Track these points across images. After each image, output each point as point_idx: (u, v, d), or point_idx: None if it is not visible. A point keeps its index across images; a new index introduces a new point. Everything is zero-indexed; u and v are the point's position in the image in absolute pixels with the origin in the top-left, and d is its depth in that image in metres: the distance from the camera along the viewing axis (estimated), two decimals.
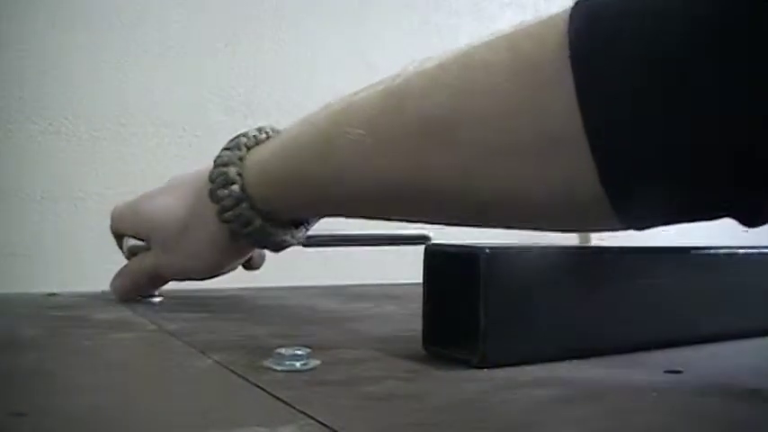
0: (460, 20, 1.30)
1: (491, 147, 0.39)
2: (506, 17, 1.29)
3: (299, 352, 0.38)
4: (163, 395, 0.33)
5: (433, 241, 0.43)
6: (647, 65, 0.33)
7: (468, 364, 0.38)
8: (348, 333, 0.52)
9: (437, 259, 0.40)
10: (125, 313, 0.59)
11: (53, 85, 1.08)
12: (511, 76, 0.38)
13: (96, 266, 1.07)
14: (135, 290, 0.65)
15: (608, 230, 0.44)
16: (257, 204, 0.54)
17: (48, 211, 1.06)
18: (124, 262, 0.67)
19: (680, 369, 0.38)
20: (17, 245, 1.04)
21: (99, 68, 1.11)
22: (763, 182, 0.34)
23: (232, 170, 0.54)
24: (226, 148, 0.56)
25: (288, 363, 0.37)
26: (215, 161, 0.56)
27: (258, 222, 0.54)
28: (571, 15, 0.36)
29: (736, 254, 0.49)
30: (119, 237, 0.67)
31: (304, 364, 0.37)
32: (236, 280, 0.79)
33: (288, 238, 0.57)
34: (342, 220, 0.54)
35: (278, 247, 0.58)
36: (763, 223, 0.38)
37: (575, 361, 0.40)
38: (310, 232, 0.60)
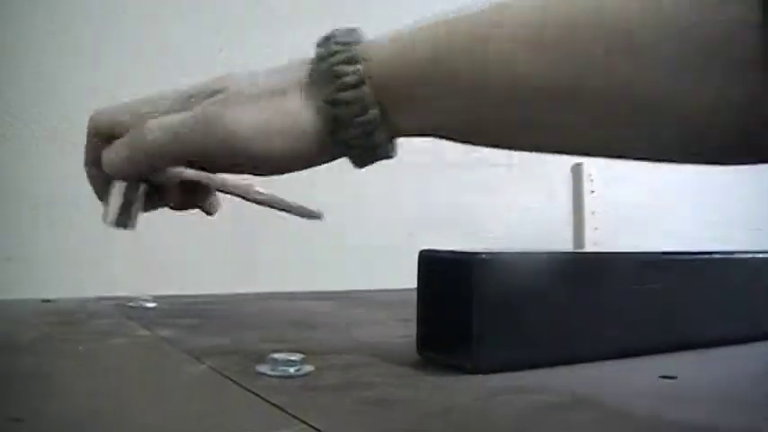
0: None
1: (670, 55, 0.38)
2: None
3: (293, 357, 0.38)
4: (157, 400, 0.33)
5: (428, 247, 0.43)
6: None
7: (462, 370, 0.38)
8: (342, 338, 0.52)
9: (431, 265, 0.40)
10: (119, 319, 0.59)
11: (49, 89, 1.08)
12: None
13: (92, 272, 1.07)
14: (132, 165, 0.49)
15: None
16: (378, 93, 0.46)
17: (43, 217, 1.06)
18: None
19: (674, 375, 0.38)
20: (13, 250, 1.03)
21: (95, 72, 1.10)
22: None
23: (357, 48, 0.47)
24: (328, 39, 0.48)
25: (282, 368, 0.37)
26: (322, 48, 0.48)
27: (374, 112, 0.46)
28: None
29: (732, 259, 0.49)
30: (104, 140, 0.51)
31: (298, 370, 0.37)
32: (229, 285, 0.80)
33: (385, 147, 0.48)
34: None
35: (369, 155, 0.48)
36: None
37: (568, 366, 0.40)
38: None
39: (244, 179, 0.49)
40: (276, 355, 0.38)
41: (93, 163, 0.51)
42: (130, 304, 0.67)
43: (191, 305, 0.68)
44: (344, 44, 0.47)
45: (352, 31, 0.49)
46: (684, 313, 0.46)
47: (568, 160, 1.58)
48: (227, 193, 0.49)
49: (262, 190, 0.47)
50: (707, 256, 0.48)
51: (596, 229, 1.57)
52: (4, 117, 1.05)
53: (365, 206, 1.10)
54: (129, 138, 0.49)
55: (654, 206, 1.67)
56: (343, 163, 0.46)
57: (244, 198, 0.48)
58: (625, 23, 0.39)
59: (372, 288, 0.86)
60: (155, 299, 0.68)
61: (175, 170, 0.48)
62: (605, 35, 0.40)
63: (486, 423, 0.30)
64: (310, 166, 0.49)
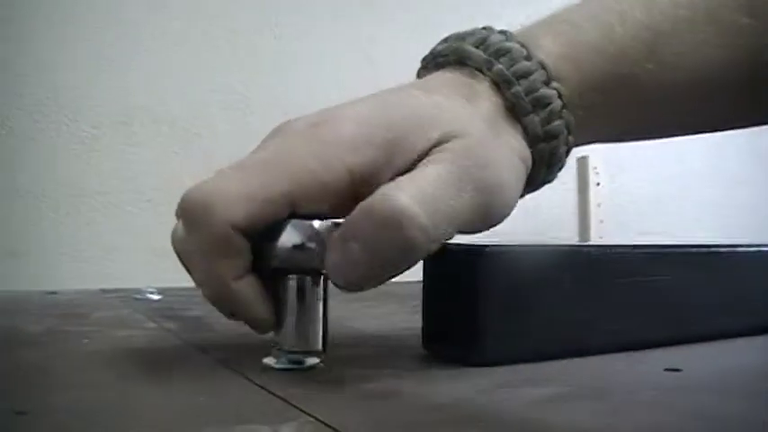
0: (461, 14, 1.30)
1: None
2: (507, 14, 1.29)
3: (301, 358, 0.38)
4: (162, 393, 0.33)
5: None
6: None
7: (467, 363, 0.38)
8: (347, 331, 0.52)
9: (436, 257, 0.40)
10: (124, 311, 0.59)
11: (53, 84, 1.08)
12: None
13: (96, 265, 1.08)
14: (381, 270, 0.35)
15: None
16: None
17: (48, 210, 1.06)
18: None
19: (679, 367, 0.38)
20: (17, 243, 1.04)
21: (99, 67, 1.11)
22: None
23: (548, 64, 0.40)
24: (504, 53, 0.40)
25: (287, 361, 0.37)
26: (506, 66, 0.40)
27: (572, 139, 0.41)
28: None
29: (737, 252, 0.49)
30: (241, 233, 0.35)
31: (303, 363, 0.37)
32: None
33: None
34: None
35: (554, 163, 0.42)
36: None
37: (574, 359, 0.40)
38: None
39: None
40: (282, 352, 0.38)
41: (242, 275, 0.36)
42: (136, 296, 0.67)
43: (196, 297, 0.68)
44: (528, 58, 0.40)
45: (507, 35, 0.41)
46: (691, 306, 0.46)
47: (573, 153, 1.58)
48: None
49: None
50: (713, 249, 0.48)
51: (602, 221, 1.57)
52: (8, 112, 1.05)
53: None
54: (375, 228, 0.33)
55: (659, 198, 1.67)
56: None
57: None
58: None
59: None
60: (160, 291, 0.68)
61: None
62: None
63: (492, 415, 0.30)
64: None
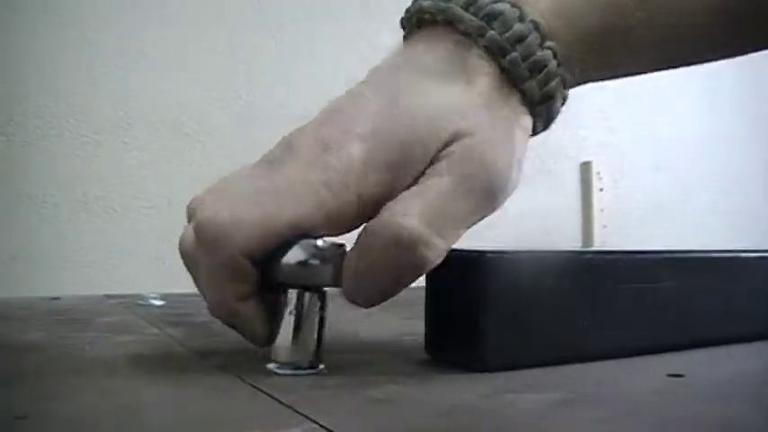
0: None
1: None
2: None
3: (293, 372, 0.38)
4: (164, 399, 0.33)
5: None
6: None
7: (470, 368, 0.38)
8: (349, 337, 0.52)
9: (439, 263, 0.40)
10: (126, 317, 0.59)
11: (55, 89, 1.08)
12: None
13: (98, 271, 1.08)
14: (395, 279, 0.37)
15: None
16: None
17: (49, 215, 1.07)
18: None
19: (682, 373, 0.38)
20: (19, 248, 1.04)
21: (100, 71, 1.11)
22: None
23: (537, 22, 0.39)
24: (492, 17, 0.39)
25: (290, 367, 0.37)
26: (498, 32, 0.38)
27: (567, 93, 0.41)
28: None
29: (739, 258, 0.49)
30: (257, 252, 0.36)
31: (305, 367, 0.37)
32: None
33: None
34: None
35: (551, 117, 0.42)
36: None
37: (576, 365, 0.40)
38: None
39: None
40: (278, 366, 0.38)
41: (246, 297, 0.38)
42: (139, 302, 0.67)
43: (199, 304, 0.68)
44: (522, 19, 0.39)
45: None
46: (693, 312, 0.46)
47: (577, 158, 1.58)
48: None
49: None
50: (715, 254, 0.48)
51: (605, 226, 1.57)
52: (11, 117, 1.05)
53: None
54: (399, 251, 0.35)
55: (662, 204, 1.67)
56: None
57: None
58: None
59: None
60: (163, 297, 0.68)
61: None
62: None
63: (494, 421, 0.30)
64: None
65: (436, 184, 0.36)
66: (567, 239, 1.54)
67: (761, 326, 0.49)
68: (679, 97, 1.72)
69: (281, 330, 0.37)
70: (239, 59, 1.20)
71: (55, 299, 0.70)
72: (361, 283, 0.37)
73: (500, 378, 0.37)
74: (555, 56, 0.39)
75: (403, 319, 0.59)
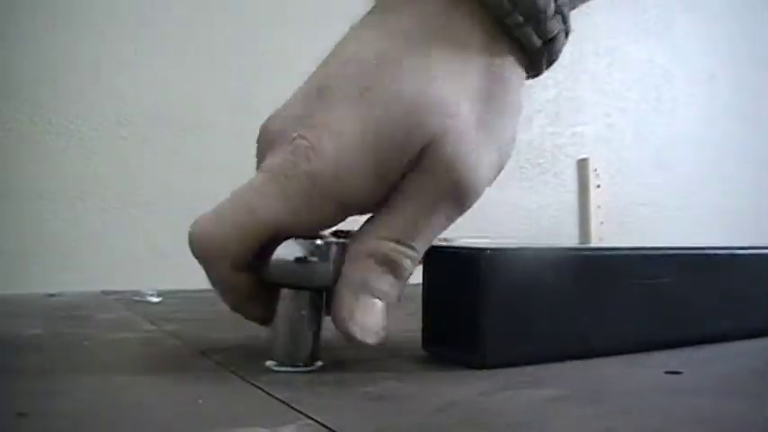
0: None
1: None
2: None
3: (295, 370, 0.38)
4: (162, 395, 0.33)
5: (434, 242, 0.42)
6: None
7: (468, 365, 0.38)
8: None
9: (437, 260, 0.40)
10: (124, 314, 0.59)
11: (53, 85, 1.08)
12: None
13: (96, 267, 1.08)
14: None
15: None
16: None
17: (47, 211, 1.06)
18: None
19: (680, 370, 0.38)
20: (17, 245, 1.04)
21: (99, 68, 1.11)
22: None
23: None
24: None
25: (288, 363, 0.37)
26: None
27: None
28: None
29: (738, 254, 0.49)
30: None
31: (303, 365, 0.37)
32: None
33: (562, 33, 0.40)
34: None
35: (554, 55, 0.40)
36: None
37: (574, 361, 0.40)
38: None
39: None
40: (279, 365, 0.38)
41: (247, 299, 0.39)
42: (135, 299, 0.67)
43: (196, 300, 0.68)
44: None
45: None
46: (691, 308, 0.46)
47: (574, 155, 1.58)
48: None
49: None
50: (713, 251, 0.48)
51: (602, 223, 1.57)
52: (8, 112, 1.05)
53: None
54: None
55: (659, 200, 1.67)
56: None
57: None
58: None
59: None
60: (160, 293, 0.68)
61: None
62: None
63: (492, 417, 0.30)
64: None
65: (411, 207, 0.37)
66: (565, 236, 1.54)
67: (759, 322, 0.49)
68: (677, 94, 1.73)
69: (279, 329, 0.37)
70: (239, 57, 1.19)
71: (52, 295, 0.70)
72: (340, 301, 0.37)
73: (498, 375, 0.37)
74: None
75: (400, 315, 0.59)
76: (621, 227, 1.59)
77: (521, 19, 0.37)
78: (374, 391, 0.33)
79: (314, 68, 0.40)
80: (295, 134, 0.36)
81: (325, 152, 0.35)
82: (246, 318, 0.40)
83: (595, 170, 1.57)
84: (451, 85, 0.37)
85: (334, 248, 0.37)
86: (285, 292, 0.37)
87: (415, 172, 0.36)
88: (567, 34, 0.40)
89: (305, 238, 0.36)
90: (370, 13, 0.40)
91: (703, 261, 0.47)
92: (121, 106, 1.12)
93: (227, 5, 1.20)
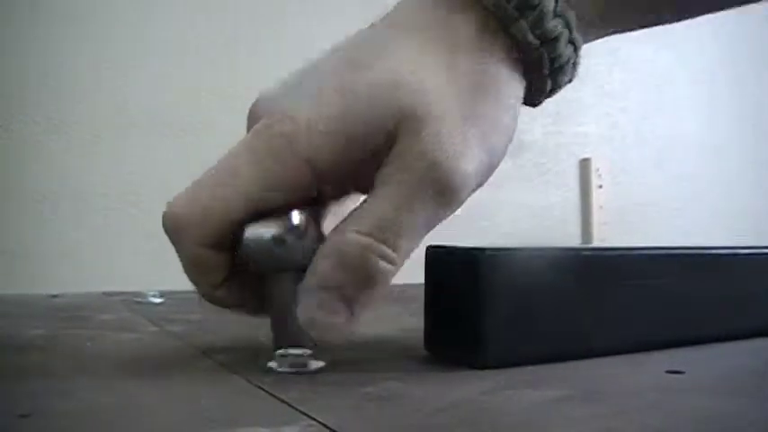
0: None
1: None
2: None
3: (301, 353, 0.38)
4: (164, 396, 0.33)
5: (435, 242, 0.42)
6: None
7: (470, 365, 0.38)
8: (349, 334, 0.52)
9: (438, 260, 0.40)
10: (126, 314, 0.59)
11: (54, 85, 1.08)
12: None
13: (97, 268, 1.08)
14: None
15: None
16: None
17: (49, 213, 1.07)
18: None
19: (681, 369, 0.38)
20: (18, 245, 1.04)
21: (100, 68, 1.11)
22: None
23: None
24: None
25: (289, 364, 0.37)
26: None
27: (579, 38, 0.38)
28: None
29: (738, 254, 0.49)
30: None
31: (305, 366, 0.37)
32: None
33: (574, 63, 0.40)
34: None
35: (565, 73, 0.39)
36: None
37: (575, 361, 0.40)
38: None
39: None
40: (284, 351, 0.38)
41: (220, 284, 0.38)
42: (138, 299, 0.67)
43: (198, 301, 0.68)
44: None
45: None
46: (693, 308, 0.46)
47: (576, 155, 1.58)
48: None
49: None
50: (715, 251, 0.48)
51: (604, 223, 1.57)
52: (8, 112, 1.05)
53: None
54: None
55: (661, 200, 1.67)
56: None
57: None
58: None
59: None
60: (162, 294, 0.68)
61: None
62: None
63: (494, 417, 0.30)
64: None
65: (387, 196, 0.35)
66: (567, 236, 1.54)
67: (760, 322, 0.49)
68: (679, 95, 1.73)
69: (275, 318, 0.37)
70: (240, 57, 1.19)
71: (54, 296, 0.70)
72: (323, 313, 0.35)
73: (500, 375, 0.37)
74: None
75: (402, 315, 0.59)
76: (623, 227, 1.59)
77: (515, 13, 0.36)
78: (376, 392, 0.33)
79: None
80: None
81: (300, 116, 0.35)
82: (219, 305, 0.39)
83: (597, 170, 1.57)
84: (432, 68, 0.36)
85: (311, 225, 0.36)
86: (271, 276, 0.36)
87: (391, 157, 0.35)
88: (577, 48, 0.38)
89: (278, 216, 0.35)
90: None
91: (705, 261, 0.47)
92: (122, 106, 1.12)
93: (228, 5, 1.20)
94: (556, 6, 0.36)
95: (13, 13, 1.05)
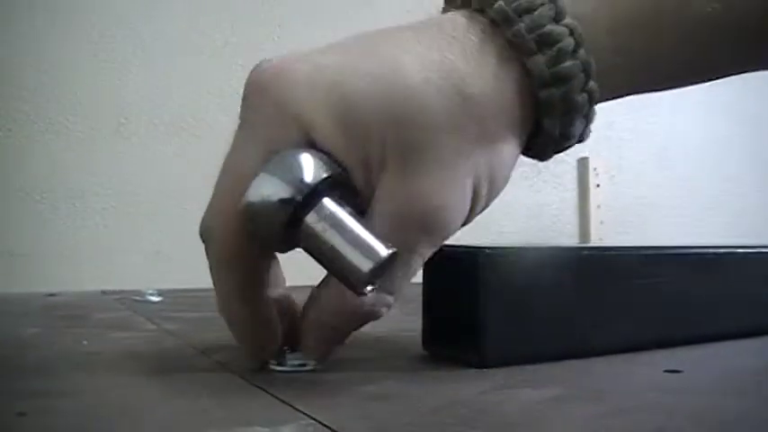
0: None
1: None
2: None
3: (299, 352, 0.38)
4: (163, 395, 0.33)
5: None
6: None
7: (468, 364, 0.38)
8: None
9: (437, 259, 0.40)
10: (124, 313, 0.59)
11: (53, 85, 1.08)
12: None
13: (95, 267, 1.08)
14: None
15: None
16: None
17: (47, 212, 1.06)
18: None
19: (680, 369, 0.38)
20: (16, 244, 1.04)
21: (99, 68, 1.10)
22: None
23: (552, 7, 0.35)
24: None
25: (288, 363, 0.37)
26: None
27: (594, 85, 0.36)
28: None
29: (737, 253, 0.49)
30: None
31: (304, 365, 0.37)
32: None
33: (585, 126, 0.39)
34: None
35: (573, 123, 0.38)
36: None
37: (574, 361, 0.40)
38: None
39: None
40: (282, 350, 0.38)
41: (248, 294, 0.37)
42: (136, 298, 0.67)
43: (196, 299, 0.68)
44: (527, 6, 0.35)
45: None
46: (691, 307, 0.46)
47: (574, 154, 1.58)
48: None
49: None
50: (713, 250, 0.48)
51: (602, 222, 1.57)
52: (7, 114, 1.05)
53: None
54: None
55: (659, 199, 1.67)
56: None
57: None
58: None
59: None
60: (160, 293, 0.68)
61: None
62: None
63: (493, 416, 0.30)
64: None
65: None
66: (564, 235, 1.54)
67: (759, 320, 0.49)
68: (677, 94, 1.72)
69: (337, 250, 0.33)
70: (238, 57, 1.19)
71: (52, 295, 0.70)
72: (317, 344, 0.37)
73: (498, 374, 0.37)
74: (572, 34, 0.35)
75: (401, 315, 0.59)
76: (621, 226, 1.59)
77: (532, 45, 0.35)
78: (374, 391, 0.33)
79: None
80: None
81: (294, 67, 0.36)
82: (236, 329, 0.37)
83: (595, 169, 1.57)
84: (426, 65, 0.34)
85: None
86: (310, 215, 0.33)
87: (382, 190, 0.34)
88: (592, 98, 0.36)
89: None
90: None
91: (703, 260, 0.47)
92: (121, 106, 1.12)
93: (228, 5, 1.20)
94: (575, 47, 0.35)
95: (11, 14, 1.05)
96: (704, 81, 0.42)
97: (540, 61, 0.35)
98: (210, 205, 0.36)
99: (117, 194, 1.10)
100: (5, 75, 1.05)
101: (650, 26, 0.36)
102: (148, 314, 0.58)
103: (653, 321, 0.44)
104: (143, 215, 1.10)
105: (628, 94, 0.40)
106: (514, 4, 0.35)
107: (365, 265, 0.32)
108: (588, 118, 0.38)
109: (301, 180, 0.32)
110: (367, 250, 0.33)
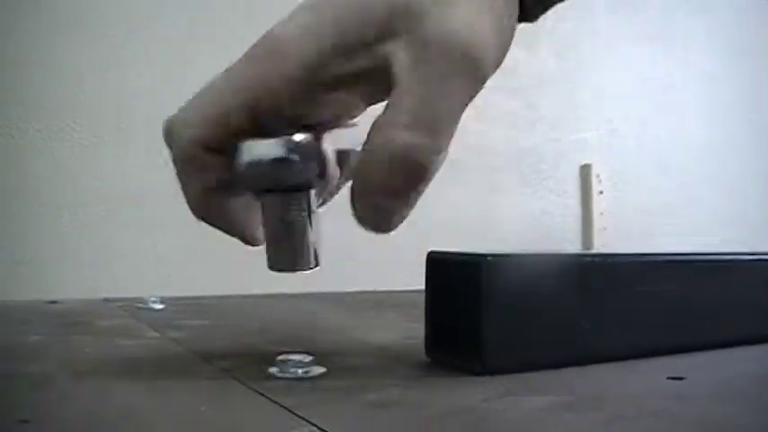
0: None
1: None
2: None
3: (302, 359, 0.38)
4: (165, 402, 0.33)
5: (436, 248, 0.42)
6: None
7: (470, 371, 0.38)
8: (350, 340, 0.52)
9: (439, 266, 0.40)
10: (127, 321, 0.59)
11: (55, 89, 1.08)
12: None
13: (98, 274, 1.08)
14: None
15: None
16: None
17: (49, 218, 1.06)
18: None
19: (682, 376, 0.38)
20: (19, 252, 1.04)
21: (101, 72, 1.11)
22: None
23: None
24: None
25: (290, 370, 0.37)
26: None
27: None
28: None
29: (739, 261, 0.49)
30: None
31: (306, 372, 0.37)
32: (237, 286, 0.79)
33: None
34: None
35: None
36: None
37: (576, 368, 0.40)
38: None
39: None
40: (285, 357, 0.38)
41: (212, 188, 0.38)
42: (138, 305, 0.67)
43: (199, 307, 0.68)
44: None
45: None
46: (693, 314, 0.46)
47: (577, 161, 1.58)
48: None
49: None
50: (715, 257, 0.48)
51: (604, 229, 1.57)
52: (10, 119, 1.05)
53: None
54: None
55: (662, 207, 1.67)
56: None
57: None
58: None
59: (380, 289, 0.85)
60: (163, 300, 0.68)
61: None
62: None
63: (495, 424, 0.30)
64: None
65: (414, 86, 0.33)
66: (567, 242, 1.54)
67: (762, 328, 0.49)
68: (678, 99, 1.73)
69: (272, 239, 0.36)
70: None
71: (53, 302, 0.70)
72: (372, 212, 0.35)
73: (501, 381, 0.37)
74: None
75: (403, 322, 0.59)
76: (624, 233, 1.59)
77: None
78: (377, 398, 0.33)
79: None
80: None
81: (293, 19, 0.37)
82: (208, 220, 0.38)
83: (598, 176, 1.57)
84: None
85: (312, 144, 0.35)
86: (268, 196, 0.35)
87: (400, 49, 0.34)
88: None
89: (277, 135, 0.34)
90: None
91: (706, 267, 0.47)
92: (123, 111, 1.12)
93: (228, 6, 1.20)
94: None
95: (12, 16, 1.05)
96: None
97: None
98: (185, 110, 0.37)
99: (120, 201, 1.11)
100: (7, 79, 1.05)
101: None
102: (151, 322, 0.58)
103: (655, 328, 0.44)
104: (146, 222, 1.10)
105: None
106: None
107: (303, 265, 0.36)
108: None
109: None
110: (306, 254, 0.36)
